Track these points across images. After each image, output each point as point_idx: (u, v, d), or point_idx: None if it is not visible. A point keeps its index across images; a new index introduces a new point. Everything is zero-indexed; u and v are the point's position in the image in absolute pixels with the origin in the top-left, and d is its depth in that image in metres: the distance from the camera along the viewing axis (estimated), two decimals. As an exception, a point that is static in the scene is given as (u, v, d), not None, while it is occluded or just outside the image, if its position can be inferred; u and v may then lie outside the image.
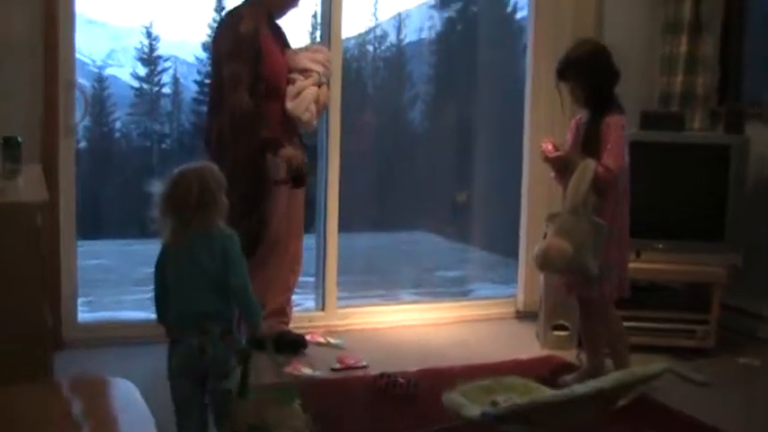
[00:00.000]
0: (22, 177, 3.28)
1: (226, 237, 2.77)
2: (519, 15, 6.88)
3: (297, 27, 5.43)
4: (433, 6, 7.54)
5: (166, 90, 8.34)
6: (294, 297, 4.43)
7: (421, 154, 7.26)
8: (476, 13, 7.58)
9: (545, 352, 4.40)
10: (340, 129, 4.72)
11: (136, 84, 8.22)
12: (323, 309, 4.77)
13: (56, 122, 4.10)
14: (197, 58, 8.22)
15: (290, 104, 4.12)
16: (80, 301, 4.44)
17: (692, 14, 4.88)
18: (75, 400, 2.40)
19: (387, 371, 3.87)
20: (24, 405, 2.19)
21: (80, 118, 4.29)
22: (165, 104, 8.37)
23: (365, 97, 7.35)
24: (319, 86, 4.23)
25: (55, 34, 4.07)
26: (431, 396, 3.33)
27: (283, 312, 4.25)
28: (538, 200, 4.86)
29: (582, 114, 3.75)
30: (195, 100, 8.14)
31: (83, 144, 7.02)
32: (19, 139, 3.41)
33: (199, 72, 8.14)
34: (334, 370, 4.07)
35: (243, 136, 3.94)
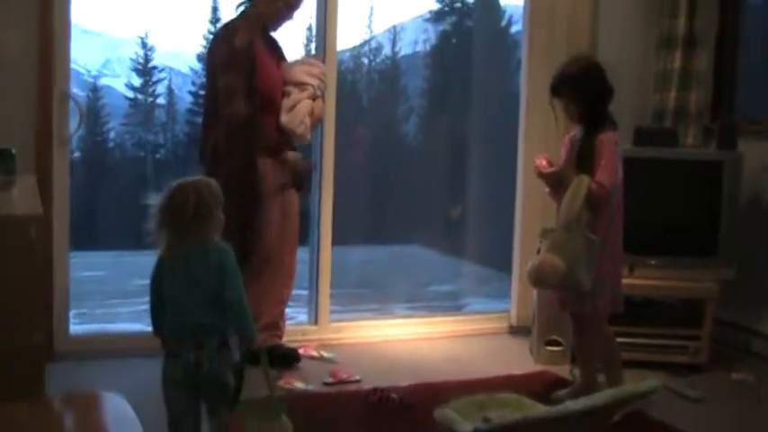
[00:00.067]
0: (16, 189, 3.27)
1: (222, 250, 2.77)
2: (514, 29, 6.90)
3: (292, 39, 5.44)
4: (428, 20, 7.56)
5: (161, 101, 8.34)
6: (287, 310, 4.43)
7: (415, 167, 7.26)
8: (471, 27, 7.60)
9: (538, 367, 4.40)
10: (334, 142, 4.72)
11: (130, 94, 8.22)
12: (316, 322, 4.77)
13: (50, 133, 4.10)
14: (192, 69, 8.23)
15: (284, 117, 4.13)
16: (72, 313, 4.43)
17: (686, 30, 4.90)
18: (67, 415, 2.39)
19: (379, 385, 3.87)
20: (16, 421, 2.18)
21: (75, 129, 4.29)
22: (160, 115, 8.37)
23: (360, 110, 7.35)
24: (314, 100, 4.23)
25: (50, 45, 4.08)
26: (423, 411, 3.31)
27: (276, 326, 4.24)
28: (531, 214, 4.87)
29: (576, 130, 3.76)
30: (190, 111, 8.14)
31: (77, 154, 7.01)
32: (13, 150, 3.41)
33: (193, 83, 8.15)
34: (326, 384, 4.06)
35: (239, 144, 3.94)
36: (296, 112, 4.14)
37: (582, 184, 3.50)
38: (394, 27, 7.80)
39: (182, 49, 8.26)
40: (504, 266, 5.22)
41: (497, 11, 7.18)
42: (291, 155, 4.13)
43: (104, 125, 8.12)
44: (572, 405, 2.70)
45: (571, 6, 4.88)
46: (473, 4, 7.53)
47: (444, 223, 7.08)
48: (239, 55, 3.98)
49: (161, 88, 8.27)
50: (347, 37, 7.19)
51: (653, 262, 4.42)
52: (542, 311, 4.44)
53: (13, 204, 3.06)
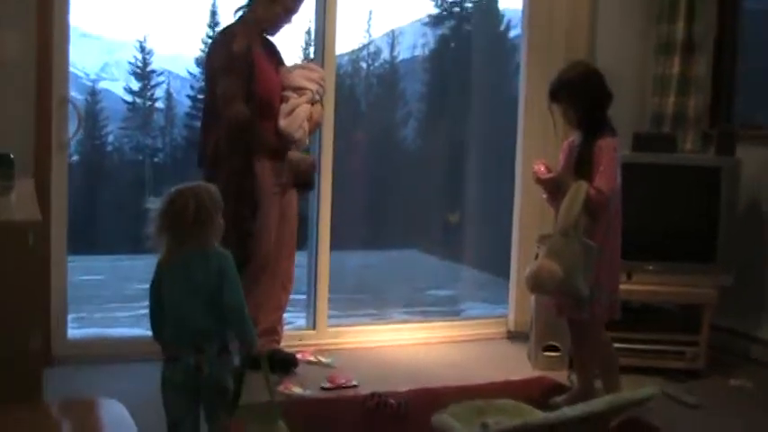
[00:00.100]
0: (14, 194, 3.27)
1: (222, 256, 2.78)
2: (512, 34, 6.91)
3: (290, 43, 5.44)
4: (427, 24, 7.58)
5: (159, 104, 8.35)
6: (285, 315, 4.42)
7: (414, 172, 7.27)
8: (469, 31, 7.61)
9: (536, 373, 4.39)
10: (333, 147, 4.72)
11: (129, 98, 8.23)
12: (314, 327, 4.76)
13: (49, 137, 4.10)
14: (190, 73, 8.24)
15: (282, 122, 4.12)
16: (71, 317, 4.42)
17: (685, 35, 4.89)
18: (64, 421, 2.39)
19: (377, 390, 3.86)
20: (14, 427, 2.17)
21: (73, 133, 4.29)
22: (158, 119, 8.39)
23: (358, 114, 7.36)
24: (313, 104, 4.23)
25: (49, 49, 4.07)
26: (421, 417, 3.31)
27: (275, 331, 4.24)
28: (529, 220, 4.86)
29: (574, 136, 3.76)
30: (188, 115, 8.16)
31: (75, 158, 7.02)
32: (11, 156, 3.41)
33: (192, 87, 8.17)
34: (324, 389, 4.06)
35: (239, 148, 3.94)
36: (294, 117, 4.14)
37: (580, 189, 3.50)
38: (393, 31, 7.82)
39: (180, 52, 8.28)
40: (503, 271, 5.21)
41: (496, 15, 7.19)
42: (294, 154, 4.14)
43: (103, 129, 8.14)
44: (569, 411, 2.72)
45: (570, 10, 4.88)
46: (472, 8, 7.54)
47: (442, 228, 7.08)
48: (238, 59, 3.98)
49: (159, 92, 8.29)
50: (346, 41, 7.21)
51: (651, 268, 4.42)
52: (540, 317, 4.43)
53: (11, 210, 3.06)
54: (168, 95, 8.34)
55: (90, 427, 2.29)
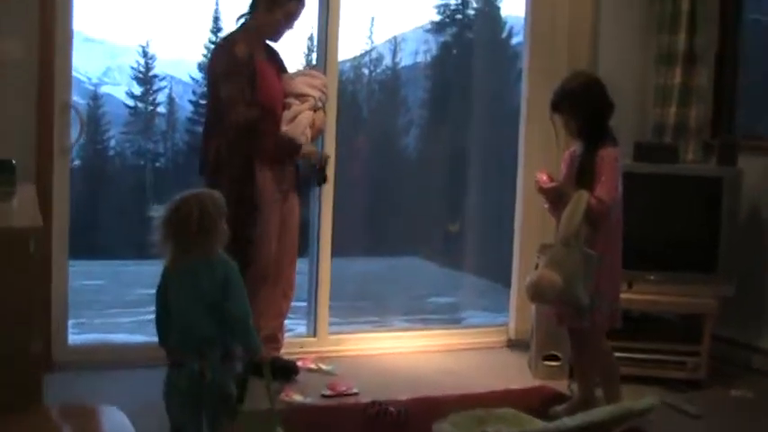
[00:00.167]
0: (16, 200, 3.27)
1: (226, 264, 2.82)
2: (514, 41, 6.91)
3: (293, 49, 5.44)
4: (429, 31, 7.57)
5: (161, 109, 8.35)
6: (286, 322, 4.42)
7: (415, 179, 7.26)
8: (471, 39, 7.61)
9: (536, 382, 4.39)
10: (335, 153, 4.72)
11: (131, 102, 8.23)
12: (314, 334, 4.76)
13: (51, 143, 4.10)
14: (192, 78, 8.24)
15: (285, 129, 4.13)
16: (71, 322, 4.42)
17: (687, 46, 4.90)
18: (64, 428, 2.39)
19: (378, 399, 3.86)
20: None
21: (75, 139, 4.29)
22: (160, 124, 8.38)
23: (360, 121, 7.36)
24: (315, 111, 4.23)
25: (51, 54, 4.07)
26: (421, 425, 3.32)
27: (275, 338, 4.23)
28: (531, 228, 4.87)
29: (576, 146, 3.76)
30: (190, 120, 8.15)
31: (76, 162, 7.02)
32: (13, 161, 3.41)
33: (194, 92, 8.16)
34: (324, 397, 4.06)
35: (241, 152, 3.94)
36: (297, 124, 4.14)
37: (581, 199, 3.50)
38: (395, 38, 7.81)
39: (182, 57, 8.27)
40: (504, 279, 5.21)
41: (498, 22, 7.18)
42: (307, 148, 4.14)
43: (105, 133, 8.13)
44: (569, 421, 2.71)
45: (572, 19, 4.88)
46: (474, 15, 7.54)
47: (444, 235, 7.07)
48: (240, 64, 3.99)
49: (161, 97, 8.28)
50: (348, 47, 7.20)
51: (652, 277, 4.42)
52: (541, 326, 4.43)
53: (12, 216, 3.06)
54: (170, 100, 8.33)
55: (90, 434, 2.29)
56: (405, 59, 7.89)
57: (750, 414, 4.10)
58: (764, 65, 5.15)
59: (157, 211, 2.79)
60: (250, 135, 3.97)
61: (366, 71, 7.87)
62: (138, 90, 8.25)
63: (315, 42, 4.95)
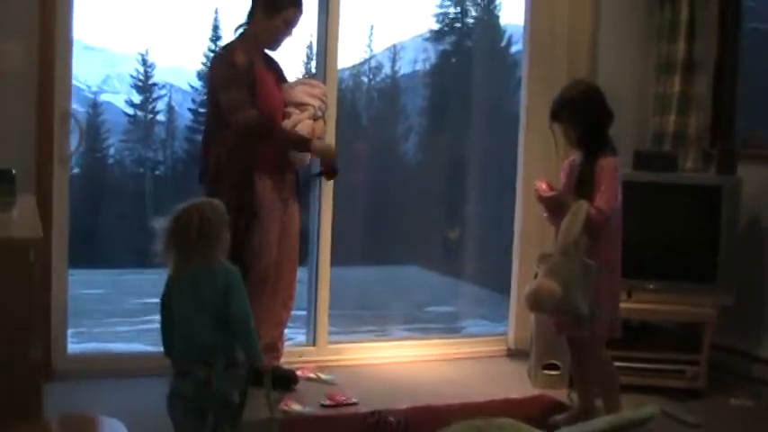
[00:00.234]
0: (16, 210, 3.27)
1: (228, 271, 2.84)
2: (513, 49, 6.92)
3: (292, 58, 5.45)
4: (428, 39, 7.58)
5: (161, 117, 8.35)
6: (285, 331, 4.41)
7: (414, 187, 7.26)
8: (470, 47, 7.62)
9: (536, 391, 4.39)
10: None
11: (130, 110, 8.23)
12: (314, 344, 4.75)
13: (50, 152, 4.10)
14: (192, 87, 8.24)
15: (285, 138, 4.13)
16: (71, 331, 4.41)
17: (686, 54, 4.90)
18: (64, 439, 2.39)
19: (377, 408, 3.86)
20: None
21: (75, 148, 4.29)
22: (159, 132, 8.39)
23: (359, 129, 7.36)
24: (315, 120, 4.23)
25: (51, 62, 4.07)
26: (421, 435, 3.32)
27: (275, 347, 4.23)
28: (530, 237, 4.86)
29: (576, 155, 3.76)
30: (189, 128, 8.15)
31: (76, 170, 7.02)
32: (13, 171, 3.41)
33: (193, 100, 8.17)
34: (323, 406, 4.05)
35: (241, 160, 3.94)
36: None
37: (581, 209, 3.50)
38: (394, 46, 7.82)
39: (182, 65, 8.28)
40: (503, 288, 5.21)
41: (497, 31, 7.19)
42: (318, 143, 4.14)
43: (104, 141, 8.13)
44: (569, 430, 2.70)
45: (571, 27, 4.89)
46: (473, 23, 7.55)
47: (443, 244, 7.07)
48: (240, 72, 3.99)
49: (161, 105, 8.29)
50: (347, 55, 7.21)
51: (651, 286, 4.42)
52: (540, 335, 4.43)
53: (12, 226, 3.06)
54: (170, 108, 8.34)
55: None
56: (404, 68, 7.90)
57: (750, 423, 4.10)
58: (763, 73, 5.15)
59: (159, 221, 2.81)
60: (251, 140, 3.97)
61: (365, 79, 7.87)
62: (137, 98, 8.26)
63: (314, 51, 4.96)
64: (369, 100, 8.03)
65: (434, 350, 4.99)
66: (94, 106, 8.17)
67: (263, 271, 4.07)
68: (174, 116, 8.35)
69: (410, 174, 7.58)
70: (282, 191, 4.17)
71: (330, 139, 4.64)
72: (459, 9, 7.56)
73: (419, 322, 6.15)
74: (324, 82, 4.56)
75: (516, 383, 4.51)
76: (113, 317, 5.97)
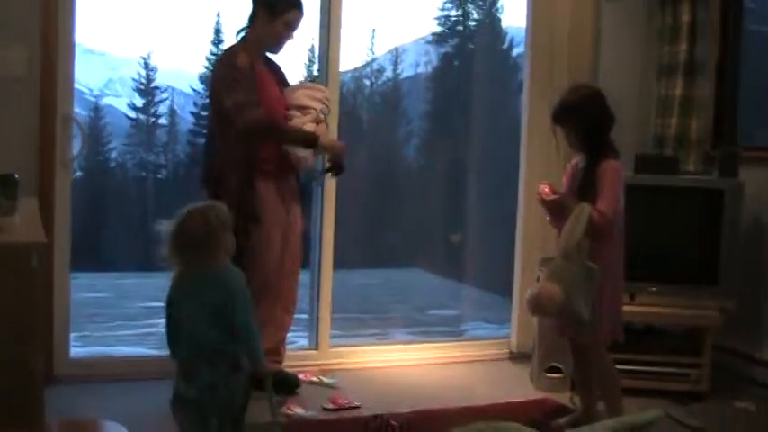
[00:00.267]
0: (18, 215, 3.26)
1: (232, 274, 2.86)
2: (515, 52, 6.92)
3: (294, 60, 5.45)
4: (430, 42, 7.59)
5: (163, 121, 8.37)
6: (287, 335, 4.41)
7: (416, 190, 7.27)
8: (472, 50, 7.63)
9: (539, 394, 4.38)
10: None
11: (132, 114, 8.25)
12: (316, 347, 4.75)
13: (52, 156, 4.11)
14: (193, 90, 8.26)
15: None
16: (73, 335, 4.41)
17: (687, 57, 4.90)
18: (66, 444, 2.38)
19: (379, 412, 3.85)
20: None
21: (77, 152, 4.29)
22: (161, 135, 8.40)
23: (361, 132, 7.37)
24: (317, 124, 4.23)
25: (53, 66, 4.08)
26: (423, 439, 3.32)
27: (277, 351, 4.23)
28: (532, 240, 4.86)
29: (578, 158, 3.76)
30: (191, 131, 8.17)
31: (78, 174, 7.02)
32: (16, 176, 3.41)
33: (195, 103, 8.19)
34: (326, 410, 4.05)
35: (245, 159, 3.94)
36: (298, 137, 4.15)
37: (583, 212, 3.50)
38: (396, 49, 7.84)
39: (184, 69, 8.30)
40: (505, 291, 5.21)
41: (499, 33, 7.21)
42: (326, 138, 4.16)
43: (106, 145, 8.15)
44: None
45: (572, 29, 4.88)
46: (475, 26, 7.56)
47: (445, 247, 7.07)
48: (243, 73, 3.99)
49: (163, 108, 8.30)
50: (349, 58, 7.22)
51: (654, 289, 4.41)
52: (543, 338, 4.43)
53: (15, 231, 3.06)
54: (171, 112, 8.36)
55: (92, 451, 2.29)
56: (406, 71, 7.91)
57: (752, 427, 4.09)
58: (764, 75, 5.16)
59: (163, 225, 2.82)
60: (257, 139, 3.97)
61: (367, 82, 7.88)
62: (139, 102, 8.28)
63: (316, 54, 4.96)
64: (371, 103, 8.04)
65: (437, 353, 4.99)
66: (96, 110, 8.19)
67: (265, 275, 4.07)
68: (175, 119, 8.37)
69: (412, 176, 7.59)
70: (285, 195, 4.17)
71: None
72: (460, 12, 7.58)
73: (421, 325, 6.15)
74: (326, 85, 4.56)
75: (519, 386, 4.50)
76: (115, 321, 5.97)
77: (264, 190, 4.06)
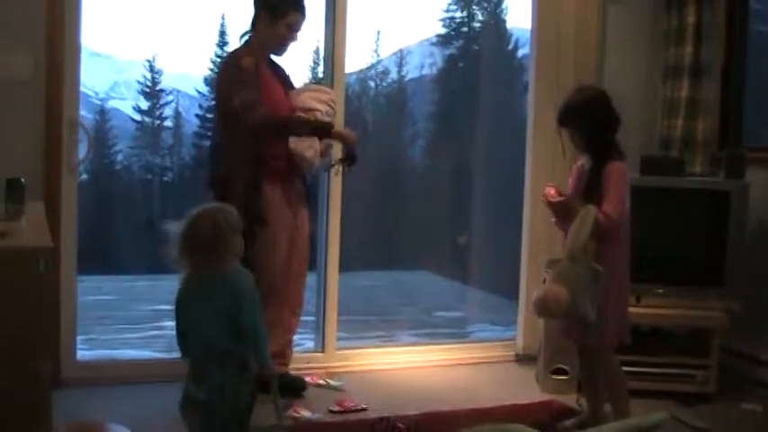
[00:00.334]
0: (25, 219, 3.27)
1: (241, 277, 2.89)
2: (520, 53, 6.92)
3: (299, 63, 5.45)
4: (435, 43, 7.59)
5: (168, 123, 8.38)
6: (294, 337, 4.41)
7: (422, 192, 7.26)
8: (477, 51, 7.62)
9: (545, 396, 4.37)
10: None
11: (138, 117, 8.26)
12: (323, 350, 4.75)
13: (59, 160, 4.11)
14: (199, 92, 8.27)
15: (293, 143, 4.14)
16: (80, 338, 4.41)
17: (693, 59, 4.89)
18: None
19: (386, 414, 3.85)
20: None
21: (83, 156, 4.30)
22: (167, 138, 8.41)
23: (366, 134, 7.37)
24: (323, 125, 4.24)
25: (59, 70, 4.08)
26: (430, 441, 3.32)
27: (283, 354, 4.22)
28: (539, 242, 4.86)
29: (584, 160, 3.76)
30: (197, 134, 8.17)
31: (84, 176, 7.04)
32: (22, 180, 3.42)
33: (200, 106, 8.20)
34: (332, 412, 4.05)
35: (252, 161, 3.94)
36: (304, 138, 4.15)
37: (589, 214, 3.50)
38: (401, 51, 7.84)
39: (189, 71, 8.31)
40: (512, 293, 5.20)
41: (504, 35, 7.21)
42: (338, 130, 4.16)
43: (112, 148, 8.16)
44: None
45: (578, 31, 4.88)
46: (480, 28, 7.56)
47: (452, 249, 7.07)
48: (248, 74, 3.99)
49: (168, 111, 8.32)
50: (354, 60, 7.22)
51: (660, 291, 4.41)
52: (549, 340, 4.42)
53: (21, 235, 3.07)
54: (177, 114, 8.37)
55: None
56: (411, 72, 7.92)
57: (759, 428, 4.08)
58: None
59: (172, 226, 2.83)
60: (267, 137, 3.97)
61: (372, 84, 7.89)
62: (144, 104, 8.29)
63: (321, 56, 4.97)
64: (376, 105, 8.04)
65: (443, 355, 4.99)
66: (102, 113, 8.21)
67: (272, 278, 4.07)
68: (181, 122, 8.39)
69: (418, 178, 7.59)
70: (291, 197, 4.17)
71: (337, 144, 4.64)
72: (465, 13, 7.58)
73: (427, 327, 6.15)
74: (331, 87, 4.57)
75: (525, 388, 4.50)
76: (122, 324, 5.98)
77: (271, 192, 4.06)
